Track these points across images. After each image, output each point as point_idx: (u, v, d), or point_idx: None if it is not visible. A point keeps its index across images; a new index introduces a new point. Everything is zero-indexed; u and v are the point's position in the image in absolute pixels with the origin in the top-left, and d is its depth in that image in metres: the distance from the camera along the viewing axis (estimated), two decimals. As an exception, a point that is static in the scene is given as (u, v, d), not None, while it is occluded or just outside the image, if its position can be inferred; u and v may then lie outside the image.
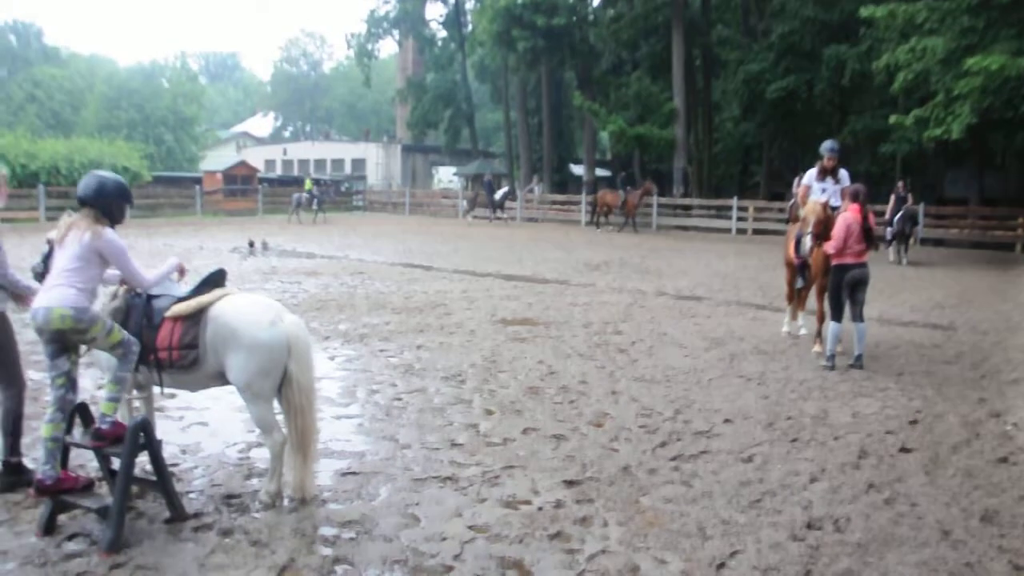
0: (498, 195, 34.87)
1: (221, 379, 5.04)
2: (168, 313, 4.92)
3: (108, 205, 4.86)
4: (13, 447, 5.26)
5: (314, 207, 35.38)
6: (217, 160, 50.51)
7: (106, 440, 4.81)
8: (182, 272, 5.27)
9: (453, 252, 22.17)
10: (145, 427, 4.75)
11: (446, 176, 54.38)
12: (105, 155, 35.00)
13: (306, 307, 12.25)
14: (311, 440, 5.13)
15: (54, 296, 4.68)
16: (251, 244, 21.97)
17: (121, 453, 4.66)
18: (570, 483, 5.58)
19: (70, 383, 4.82)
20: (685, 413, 7.24)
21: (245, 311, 4.90)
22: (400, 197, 43.58)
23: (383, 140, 60.35)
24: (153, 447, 4.80)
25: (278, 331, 4.89)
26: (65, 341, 4.78)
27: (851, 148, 33.30)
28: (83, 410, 5.01)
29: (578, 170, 44.34)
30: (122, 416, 5.07)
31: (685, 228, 29.07)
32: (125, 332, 4.87)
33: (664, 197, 33.58)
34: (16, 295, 5.30)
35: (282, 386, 5.01)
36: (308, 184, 37.78)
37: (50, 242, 4.93)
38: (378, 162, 56.25)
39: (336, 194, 41.25)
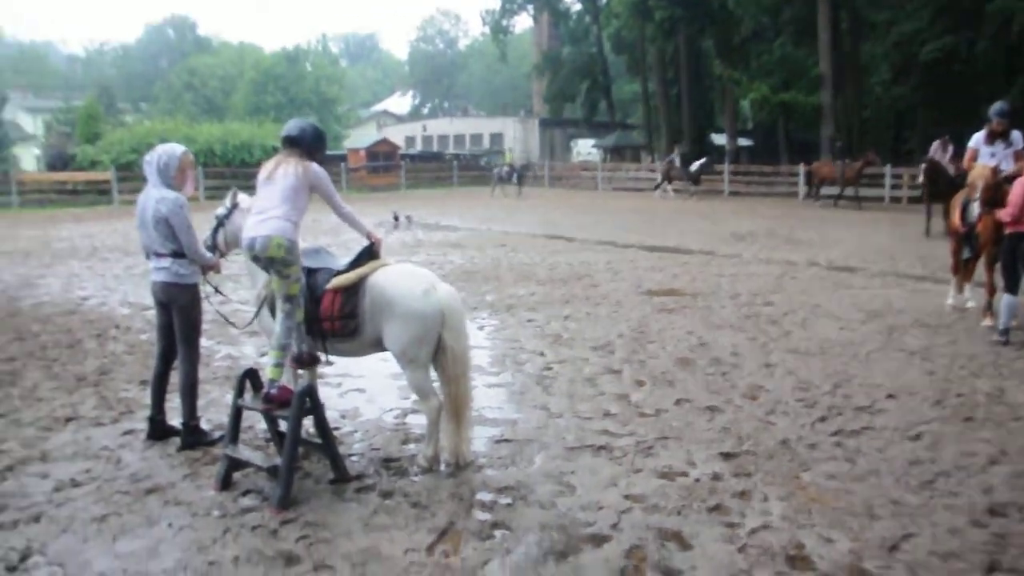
0: (694, 167, 32.22)
1: (379, 346, 5.18)
2: (329, 285, 5.10)
3: (311, 147, 5.15)
4: (191, 411, 5.64)
5: (513, 181, 35.66)
6: (360, 138, 52.18)
7: (274, 404, 5.04)
8: (375, 240, 5.35)
9: (595, 224, 22.04)
10: (311, 392, 4.95)
11: (584, 148, 53.94)
12: (255, 137, 36.83)
13: (453, 278, 12.48)
14: (466, 407, 5.20)
15: (273, 226, 4.91)
16: (396, 218, 22.57)
17: (288, 416, 4.86)
18: (727, 456, 5.42)
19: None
20: (845, 387, 6.90)
21: (400, 282, 5.02)
22: (540, 170, 43.62)
23: (520, 114, 60.61)
24: (318, 411, 4.98)
25: (432, 300, 4.99)
26: (270, 270, 5.03)
27: (1021, 110, 30.72)
28: (252, 375, 5.25)
29: (719, 139, 43.05)
30: (288, 381, 5.30)
31: (834, 198, 27.61)
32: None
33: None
34: (205, 267, 5.68)
35: (437, 354, 5.11)
36: (507, 157, 38.30)
37: (235, 195, 5.49)
38: (516, 136, 56.55)
39: (527, 171, 39.32)
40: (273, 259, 4.94)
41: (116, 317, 10.09)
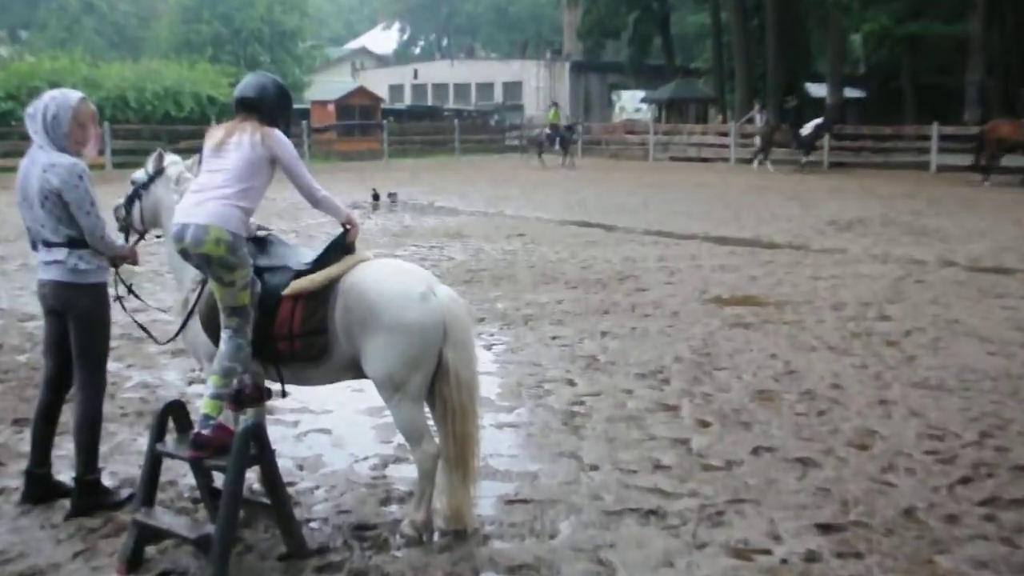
0: (806, 129, 32.08)
1: (355, 371, 5.17)
2: (288, 290, 5.08)
3: (273, 110, 5.17)
4: (88, 462, 5.59)
5: (556, 147, 35.95)
6: (327, 87, 52.30)
7: (207, 449, 5.02)
8: (352, 227, 5.29)
9: (643, 206, 22.04)
10: (258, 434, 4.95)
11: (631, 103, 54.01)
12: (185, 81, 37.10)
13: (451, 280, 12.48)
14: (472, 453, 5.19)
15: (212, 212, 4.90)
16: (375, 197, 22.71)
17: (226, 467, 4.87)
18: (826, 528, 5.40)
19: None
20: (997, 437, 6.86)
21: (386, 282, 5.02)
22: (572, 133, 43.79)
23: (545, 57, 60.73)
24: (267, 460, 5.00)
25: (431, 308, 4.97)
26: (205, 271, 5.05)
27: None
28: (176, 411, 5.27)
29: (817, 91, 42.82)
30: (227, 420, 5.31)
31: (982, 169, 27.22)
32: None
33: (949, 125, 31.85)
34: (115, 258, 5.63)
35: (435, 382, 5.10)
36: (552, 115, 37.90)
37: (157, 157, 5.46)
38: (539, 86, 56.71)
39: (573, 133, 38.66)
40: (209, 258, 4.92)
41: (-9, 328, 10.14)
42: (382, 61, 79.56)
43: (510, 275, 13.06)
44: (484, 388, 7.75)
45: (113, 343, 7.87)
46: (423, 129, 44.98)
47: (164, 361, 8.83)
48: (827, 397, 7.70)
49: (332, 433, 6.97)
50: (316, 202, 5.23)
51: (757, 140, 34.91)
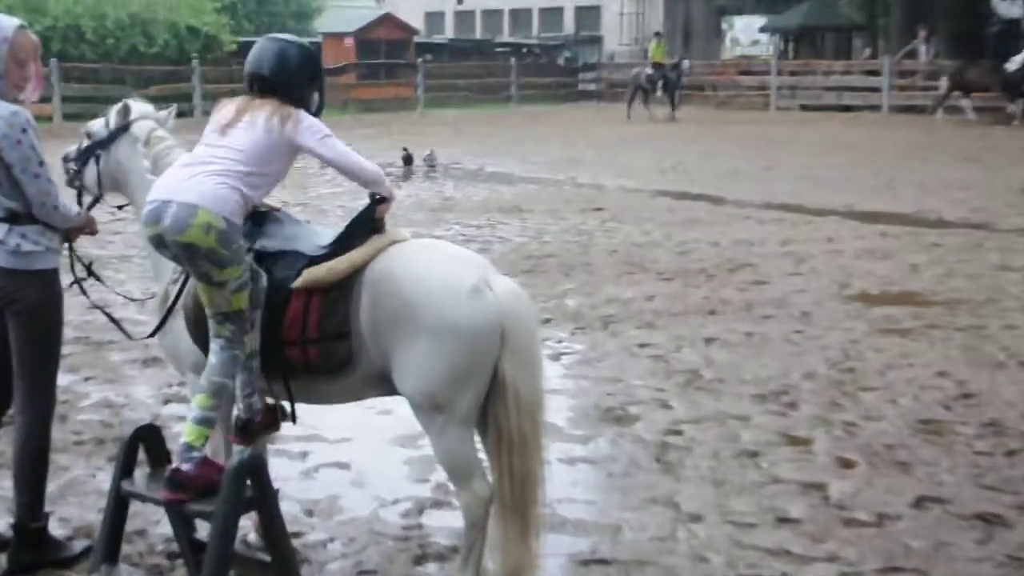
0: (1014, 64, 31.28)
1: (384, 386, 5.16)
2: (299, 281, 5.10)
3: (297, 87, 5.23)
4: (32, 505, 5.59)
5: (659, 91, 35.73)
6: (344, 15, 52.63)
7: (188, 491, 5.05)
8: (381, 203, 5.30)
9: (762, 172, 21.95)
10: (255, 470, 4.97)
11: (746, 34, 53.63)
12: (158, 8, 37.37)
13: (506, 269, 12.44)
14: (534, 497, 5.10)
15: (206, 191, 4.93)
16: (407, 159, 22.79)
17: (214, 513, 4.90)
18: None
19: None
20: None
21: (428, 270, 5.02)
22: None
23: (634, -26, 60.41)
24: (267, 504, 5.04)
25: (485, 305, 4.92)
26: (184, 265, 5.11)
27: None
28: (148, 438, 5.32)
29: (1010, 9, 41.54)
30: (214, 451, 5.35)
31: None
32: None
33: None
34: (71, 230, 5.65)
35: (488, 401, 5.06)
36: (656, 49, 37.14)
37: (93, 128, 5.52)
38: (624, 11, 56.40)
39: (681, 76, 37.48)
40: (194, 249, 4.92)
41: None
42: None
43: (584, 263, 13.01)
44: (553, 412, 7.75)
45: (65, 349, 8.01)
46: (469, 70, 45.12)
47: (132, 373, 8.89)
48: (1020, 432, 7.58)
49: (351, 468, 6.99)
50: (375, 178, 5.30)
51: (943, 82, 34.06)
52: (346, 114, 38.09)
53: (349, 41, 43.43)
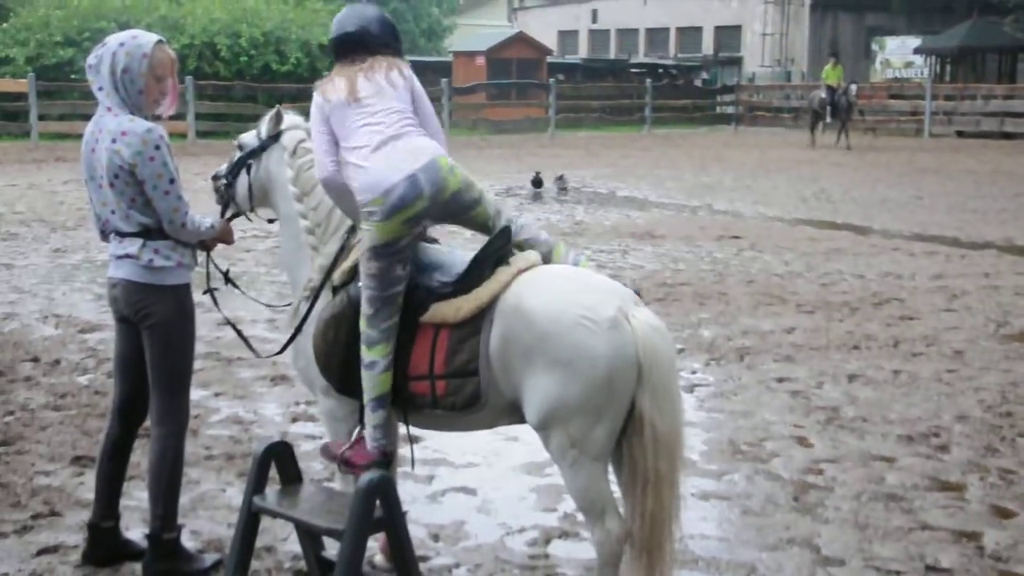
0: None
1: (515, 415, 5.26)
2: (427, 316, 5.27)
3: (395, 41, 5.71)
4: (167, 516, 5.73)
5: (827, 117, 34.75)
6: (476, 34, 53.03)
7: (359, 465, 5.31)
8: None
9: (913, 201, 21.68)
10: (386, 492, 5.05)
11: (899, 55, 52.81)
12: (291, 25, 38.11)
13: (642, 294, 12.51)
14: (667, 535, 5.09)
15: (426, 144, 5.38)
16: (537, 182, 22.87)
17: (344, 532, 4.97)
18: None
19: None
20: None
21: (563, 299, 5.04)
22: (806, 98, 43.18)
23: (777, -9, 59.95)
24: (396, 526, 5.12)
25: (623, 337, 4.92)
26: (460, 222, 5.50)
27: None
28: (282, 455, 5.45)
29: None
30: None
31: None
32: None
33: None
34: (204, 244, 5.87)
35: (623, 435, 5.08)
36: (830, 72, 35.74)
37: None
38: (766, 31, 56.05)
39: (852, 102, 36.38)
40: (458, 196, 5.31)
41: (32, 342, 10.61)
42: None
43: (720, 292, 12.97)
44: (686, 445, 7.84)
45: (196, 364, 8.26)
46: (602, 91, 45.06)
47: (260, 390, 9.05)
48: None
49: (477, 494, 7.04)
50: (442, 143, 5.60)
51: None
52: (475, 134, 38.30)
53: (480, 60, 43.62)
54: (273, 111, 5.96)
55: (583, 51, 63.36)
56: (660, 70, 51.31)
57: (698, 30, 60.10)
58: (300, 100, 34.48)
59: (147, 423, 5.87)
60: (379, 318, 5.24)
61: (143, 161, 5.41)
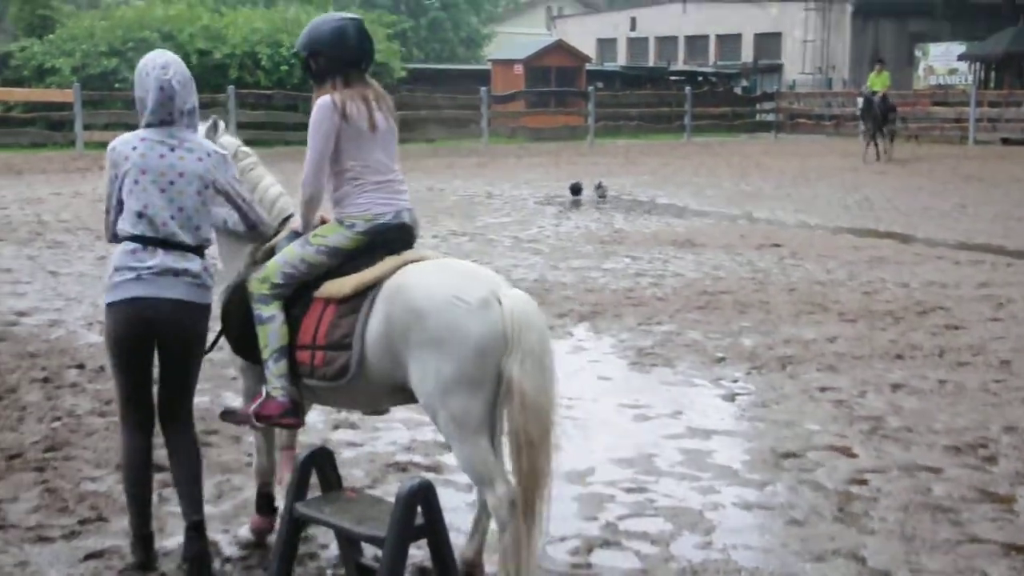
0: None
1: (402, 395, 5.72)
2: (319, 292, 5.84)
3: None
4: (200, 501, 5.95)
5: (863, 126, 33.56)
6: (514, 42, 53.22)
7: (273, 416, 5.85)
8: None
9: (959, 209, 21.61)
10: (426, 497, 5.13)
11: (943, 62, 52.42)
12: (335, 34, 38.03)
13: (679, 304, 12.59)
14: (541, 495, 5.45)
15: (405, 190, 6.17)
16: (576, 190, 22.90)
17: (385, 539, 5.02)
18: None
19: None
20: None
21: (439, 282, 5.54)
22: (847, 105, 42.96)
23: (816, -2, 59.76)
24: (437, 533, 5.16)
25: (492, 315, 5.39)
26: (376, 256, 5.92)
27: None
28: (323, 462, 5.53)
29: None
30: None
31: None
32: None
33: None
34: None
35: (502, 403, 5.50)
36: (875, 79, 34.40)
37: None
38: (807, 38, 55.85)
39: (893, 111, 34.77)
40: (415, 231, 6.13)
41: (78, 348, 10.68)
42: (588, 6, 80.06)
43: (761, 301, 12.92)
44: (723, 451, 7.86)
45: (232, 370, 8.33)
46: (641, 99, 45.12)
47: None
48: None
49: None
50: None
51: None
52: (513, 142, 38.42)
53: (519, 68, 43.67)
54: (210, 121, 6.42)
55: (622, 59, 63.38)
56: (699, 78, 51.27)
57: (737, 37, 60.05)
58: None
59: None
60: (281, 288, 5.84)
61: (225, 175, 5.94)
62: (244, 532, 6.55)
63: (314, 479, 5.61)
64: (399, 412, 8.58)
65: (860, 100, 34.80)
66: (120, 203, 5.75)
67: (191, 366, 5.94)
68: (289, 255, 5.87)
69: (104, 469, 7.51)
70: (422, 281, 5.52)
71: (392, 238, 5.91)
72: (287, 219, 6.27)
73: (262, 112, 33.69)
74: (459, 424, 5.40)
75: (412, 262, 5.74)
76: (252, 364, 6.08)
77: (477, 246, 16.78)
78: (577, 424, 8.52)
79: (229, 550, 6.27)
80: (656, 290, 13.46)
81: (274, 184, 6.50)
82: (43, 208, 20.77)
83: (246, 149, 6.51)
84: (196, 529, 5.83)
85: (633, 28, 64.80)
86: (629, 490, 7.18)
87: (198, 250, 5.80)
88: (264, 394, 5.97)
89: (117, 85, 33.39)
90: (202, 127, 6.20)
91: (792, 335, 11.37)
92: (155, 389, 5.99)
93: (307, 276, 5.86)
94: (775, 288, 13.76)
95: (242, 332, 5.97)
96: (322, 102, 5.97)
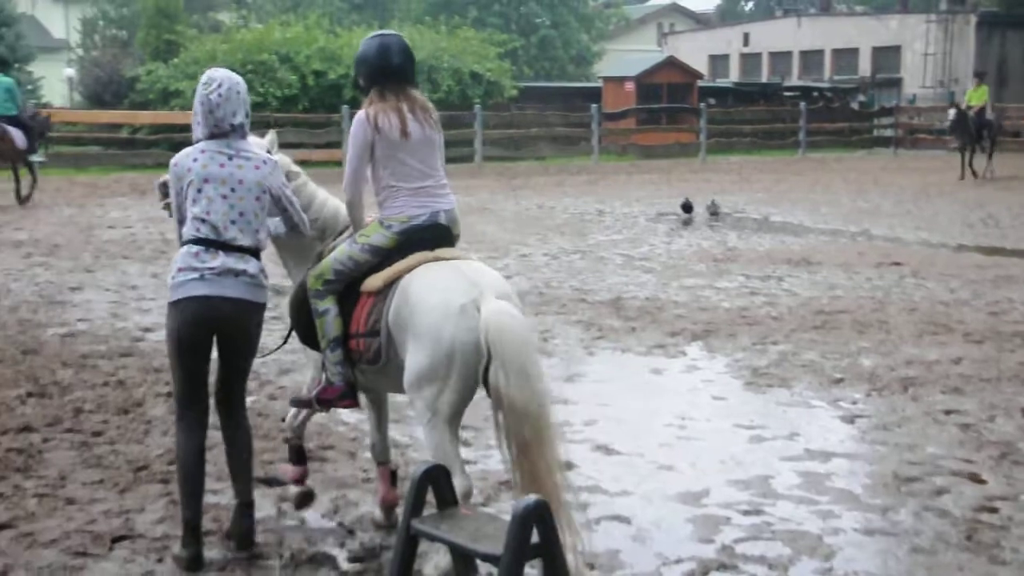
0: None
1: None
2: (363, 286, 6.46)
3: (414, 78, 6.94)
4: (250, 482, 6.55)
5: (962, 143, 31.90)
6: (625, 59, 53.07)
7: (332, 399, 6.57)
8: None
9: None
10: (542, 517, 5.09)
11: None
12: (443, 54, 38.66)
13: (795, 323, 12.50)
14: (551, 488, 5.71)
15: (447, 192, 6.67)
16: (687, 207, 22.80)
17: (500, 558, 4.99)
18: None
19: None
20: None
21: (434, 287, 6.16)
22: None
23: (939, 9, 58.70)
24: (554, 554, 5.11)
25: (466, 322, 5.97)
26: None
27: None
28: (439, 479, 5.53)
29: None
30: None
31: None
32: None
33: None
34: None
35: (495, 410, 5.99)
36: (973, 92, 33.22)
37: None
38: (928, 51, 55.00)
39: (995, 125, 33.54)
40: (453, 232, 6.66)
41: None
42: (700, 22, 79.93)
43: (881, 321, 12.71)
44: (845, 477, 7.75)
45: None
46: (755, 115, 44.71)
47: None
48: None
49: (632, 523, 7.00)
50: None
51: None
52: (624, 160, 38.37)
53: (630, 86, 43.58)
54: (269, 136, 7.10)
55: (734, 75, 63.16)
56: (815, 93, 50.82)
57: (854, 51, 59.48)
58: (451, 127, 35.25)
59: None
60: (333, 284, 6.47)
61: (278, 181, 6.51)
62: (360, 548, 6.62)
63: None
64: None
65: (951, 113, 33.95)
66: (184, 212, 6.29)
67: (247, 359, 6.54)
68: (339, 253, 6.51)
69: (224, 482, 7.47)
70: (423, 282, 6.18)
71: (427, 237, 6.48)
72: (349, 225, 6.85)
73: (376, 133, 34.05)
74: (429, 412, 6.06)
75: (435, 260, 6.35)
76: (317, 354, 6.73)
77: (588, 264, 16.76)
78: (691, 444, 8.48)
79: (345, 565, 6.35)
80: (771, 309, 13.34)
81: (328, 196, 7.10)
82: (166, 227, 20.92)
83: (296, 169, 7.07)
84: (247, 507, 6.44)
85: (746, 44, 64.52)
86: (746, 512, 7.10)
87: (255, 252, 6.36)
88: (324, 380, 6.63)
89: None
90: (261, 140, 6.89)
91: (914, 356, 11.17)
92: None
93: (355, 272, 6.47)
94: (895, 308, 13.55)
95: (306, 325, 6.63)
96: (357, 117, 6.53)
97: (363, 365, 6.48)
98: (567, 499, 5.88)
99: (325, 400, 6.63)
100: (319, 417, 7.96)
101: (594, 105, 39.23)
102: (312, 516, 6.99)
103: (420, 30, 42.03)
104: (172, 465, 7.81)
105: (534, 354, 6.08)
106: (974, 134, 31.65)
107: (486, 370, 5.91)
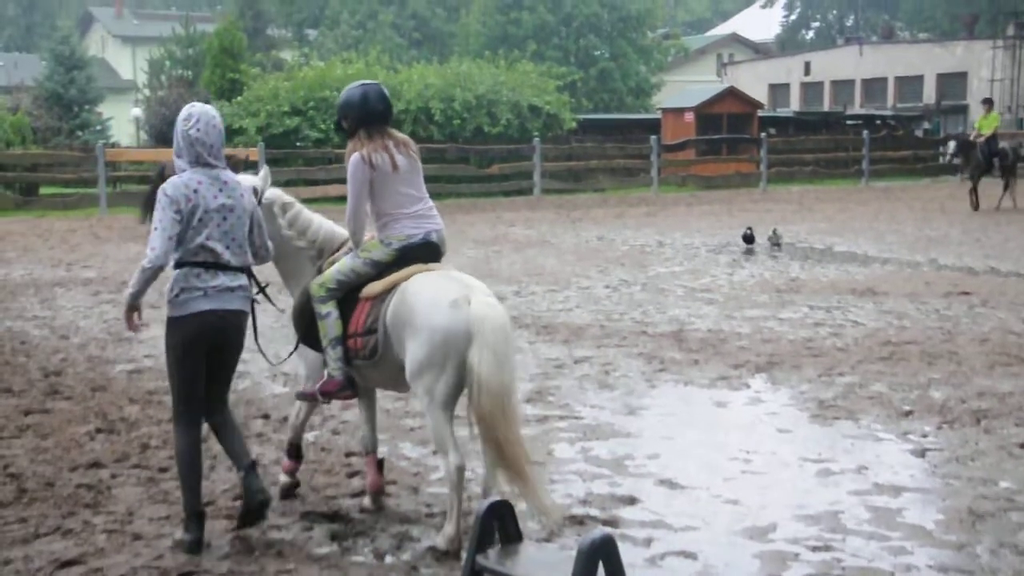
0: None
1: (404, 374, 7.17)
2: (363, 292, 7.39)
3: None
4: (246, 451, 7.33)
5: (969, 174, 31.66)
6: (685, 90, 53.01)
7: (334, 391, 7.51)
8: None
9: None
10: (608, 552, 5.07)
11: None
12: (502, 88, 38.81)
13: (861, 355, 12.35)
14: (522, 460, 6.77)
15: (436, 214, 7.67)
16: (749, 238, 22.68)
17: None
18: None
19: None
20: None
21: (429, 288, 7.11)
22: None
23: (1006, 35, 58.13)
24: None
25: (457, 314, 6.90)
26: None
27: None
28: (504, 514, 5.56)
29: None
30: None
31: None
32: None
33: None
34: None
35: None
36: (983, 119, 32.35)
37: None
38: (995, 78, 54.56)
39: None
40: (443, 248, 7.63)
41: (263, 399, 10.93)
42: (760, 51, 79.75)
43: (950, 351, 12.53)
44: (917, 512, 7.67)
45: (415, 421, 8.69)
46: (816, 144, 44.50)
47: (478, 447, 9.09)
48: None
49: (698, 559, 6.94)
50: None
51: None
52: (684, 191, 38.39)
53: (689, 116, 43.52)
54: (263, 171, 8.14)
55: (795, 104, 63.04)
56: (877, 121, 50.59)
57: (918, 79, 59.13)
58: (510, 160, 35.71)
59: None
60: (334, 291, 7.40)
61: (255, 208, 7.41)
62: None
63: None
64: (575, 464, 8.59)
65: (951, 145, 33.24)
66: (179, 233, 6.95)
67: (236, 361, 7.47)
68: (343, 265, 7.47)
69: (289, 518, 7.69)
70: (419, 284, 7.14)
71: (421, 253, 7.47)
72: (345, 242, 7.79)
73: (436, 166, 34.01)
74: (427, 397, 7.03)
75: (427, 271, 7.29)
76: (317, 353, 7.64)
77: (649, 295, 16.70)
78: (757, 478, 8.40)
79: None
80: (836, 340, 13.20)
81: (324, 220, 8.04)
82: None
83: (290, 200, 8.03)
84: (252, 468, 7.15)
85: (807, 73, 64.39)
86: (815, 548, 7.01)
87: (245, 270, 7.27)
88: (326, 375, 7.52)
89: (298, 144, 34.75)
90: (254, 177, 7.91)
91: (986, 388, 10.98)
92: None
93: (355, 282, 7.41)
94: (965, 338, 13.35)
95: (309, 327, 7.60)
96: (355, 158, 7.39)
97: (358, 361, 7.37)
98: (530, 469, 6.87)
99: (327, 392, 7.50)
100: (381, 450, 8.18)
101: (653, 136, 39.29)
102: (375, 551, 7.01)
103: (479, 64, 42.20)
104: (237, 500, 7.91)
105: (510, 340, 7.06)
106: (983, 163, 30.96)
107: None
